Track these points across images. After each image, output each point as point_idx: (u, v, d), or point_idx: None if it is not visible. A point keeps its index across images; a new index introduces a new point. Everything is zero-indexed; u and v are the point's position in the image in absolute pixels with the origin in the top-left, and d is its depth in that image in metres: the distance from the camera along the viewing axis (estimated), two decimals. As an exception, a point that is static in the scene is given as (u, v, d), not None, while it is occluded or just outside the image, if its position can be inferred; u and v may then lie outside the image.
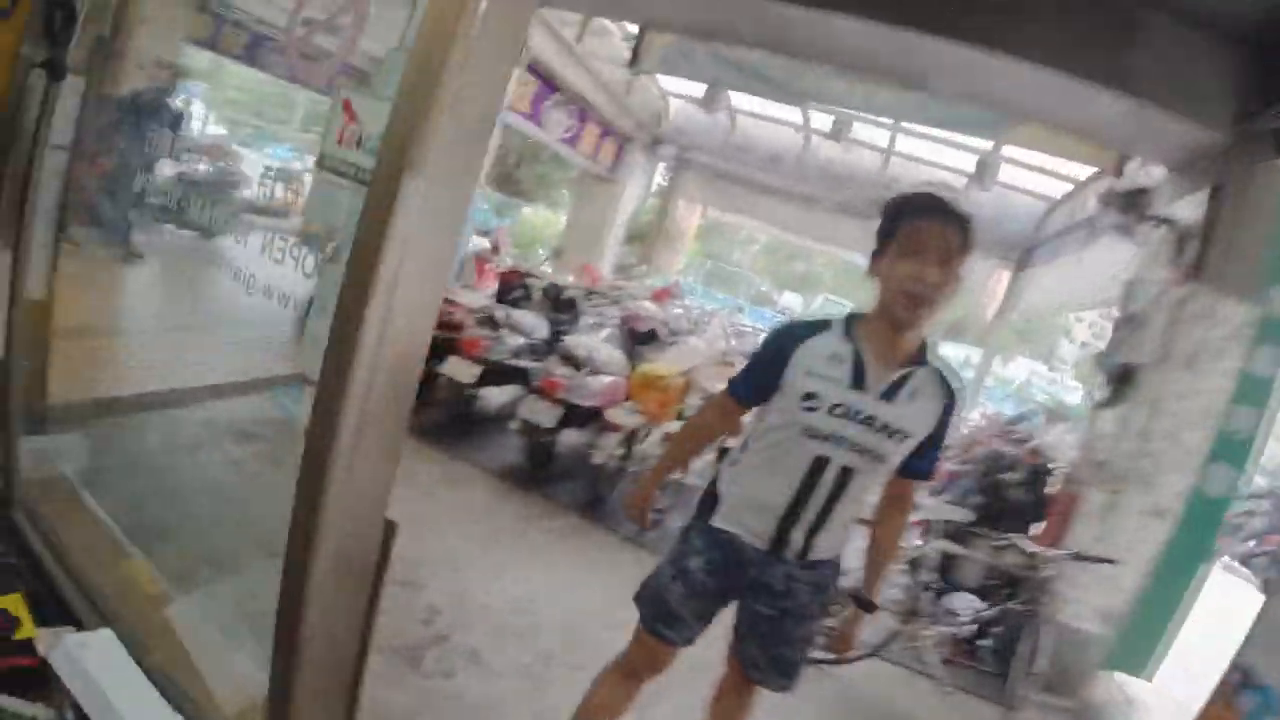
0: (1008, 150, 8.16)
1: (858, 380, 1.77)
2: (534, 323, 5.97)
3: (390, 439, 1.31)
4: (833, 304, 31.47)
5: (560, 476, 5.27)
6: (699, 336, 6.25)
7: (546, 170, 24.32)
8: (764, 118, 9.89)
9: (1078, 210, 7.85)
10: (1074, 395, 28.64)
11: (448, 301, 5.80)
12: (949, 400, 1.83)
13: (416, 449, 5.03)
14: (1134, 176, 4.85)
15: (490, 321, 5.74)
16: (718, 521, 1.93)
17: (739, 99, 9.59)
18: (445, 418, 5.68)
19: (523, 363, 5.56)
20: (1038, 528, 4.77)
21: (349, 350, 1.19)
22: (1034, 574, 3.68)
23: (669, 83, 9.91)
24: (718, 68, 6.82)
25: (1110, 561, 3.59)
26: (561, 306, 6.89)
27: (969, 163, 8.77)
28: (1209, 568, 4.32)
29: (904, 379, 1.79)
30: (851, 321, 1.86)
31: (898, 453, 1.82)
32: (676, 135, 10.64)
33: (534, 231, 15.46)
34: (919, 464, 1.91)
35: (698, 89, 9.47)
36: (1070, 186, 8.25)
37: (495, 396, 5.46)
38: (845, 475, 1.81)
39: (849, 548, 2.03)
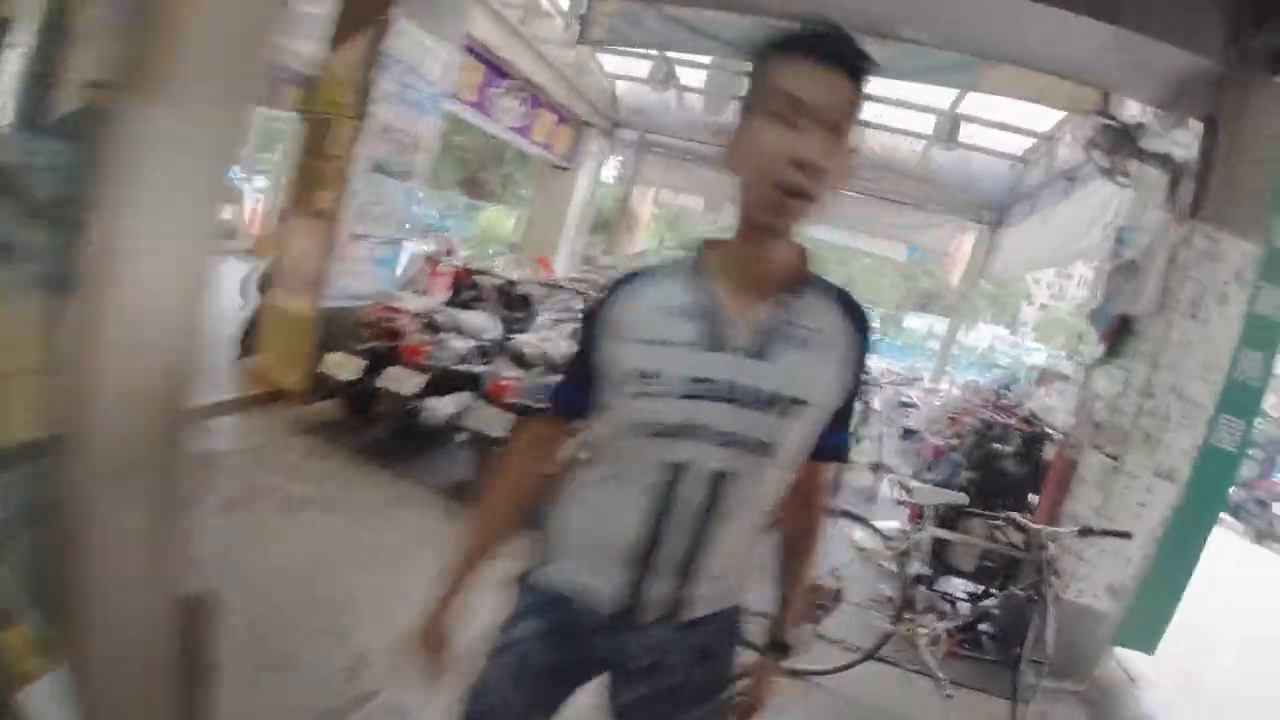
0: (970, 109, 7.83)
1: (714, 336, 1.13)
2: (484, 323, 5.54)
3: (160, 495, 0.89)
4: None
5: None
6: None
7: (511, 170, 23.81)
8: (713, 94, 9.46)
9: (1054, 162, 7.58)
10: (1037, 357, 28.99)
11: (387, 308, 5.37)
12: (860, 333, 1.21)
13: (354, 470, 4.61)
14: (1120, 114, 4.51)
15: (433, 325, 5.27)
16: (543, 578, 1.30)
17: (687, 75, 9.18)
18: (387, 434, 5.24)
19: (472, 367, 5.12)
20: (1037, 499, 4.46)
21: (74, 378, 0.77)
22: (1037, 554, 3.33)
23: (613, 63, 9.50)
24: (668, 30, 6.40)
25: (1124, 535, 3.25)
26: (515, 304, 6.46)
27: (928, 124, 8.43)
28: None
29: (782, 317, 1.15)
30: (702, 254, 1.21)
31: (795, 432, 1.16)
32: (634, 117, 10.24)
33: (491, 231, 14.90)
34: (834, 438, 1.26)
35: (642, 68, 9.04)
36: (1035, 142, 7.98)
37: (441, 406, 4.97)
38: (720, 485, 1.14)
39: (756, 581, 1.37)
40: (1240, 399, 3.73)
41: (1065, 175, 7.12)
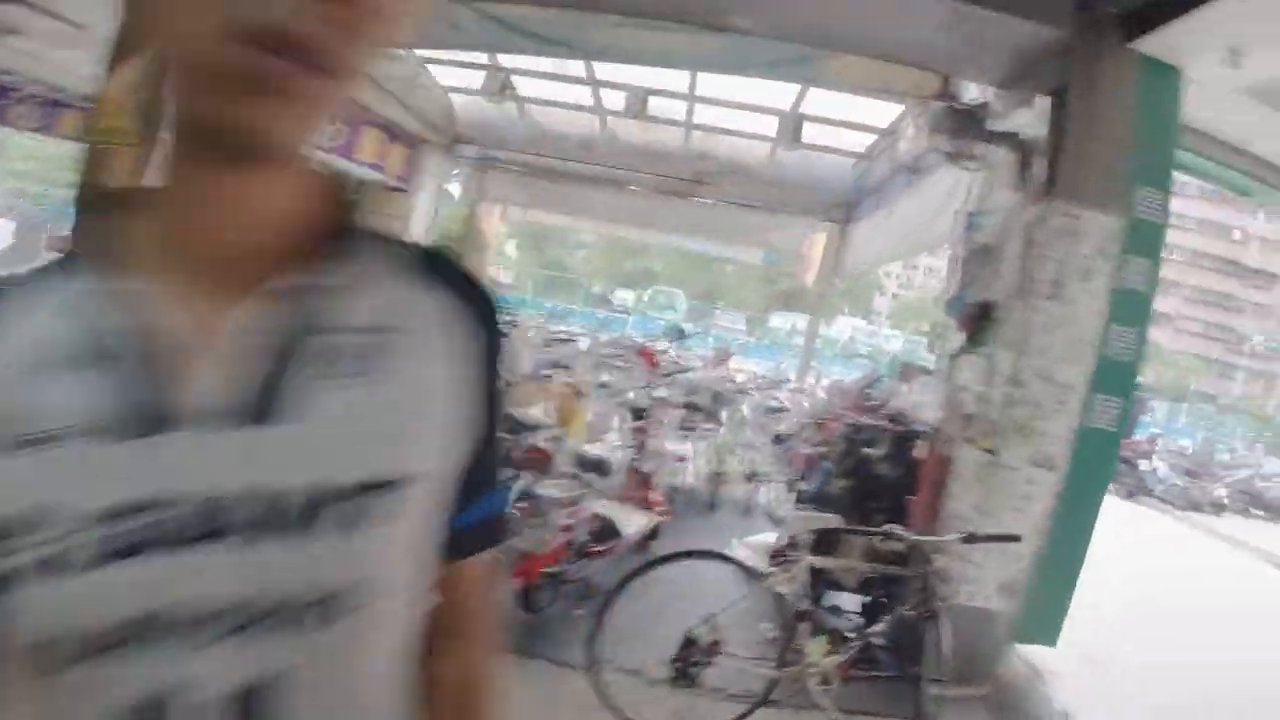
0: (812, 108, 7.78)
1: (147, 400, 0.50)
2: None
3: None
4: (662, 294, 31.81)
5: None
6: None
7: (360, 198, 22.40)
8: (555, 104, 9.05)
9: (896, 155, 7.61)
10: (894, 343, 30.57)
11: None
12: (477, 318, 0.62)
13: None
14: (961, 97, 4.39)
15: None
16: None
17: (525, 86, 8.69)
18: None
19: None
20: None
21: None
22: (923, 568, 3.02)
23: (448, 77, 8.86)
24: (490, 32, 5.87)
25: (1013, 539, 2.99)
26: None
27: (772, 127, 8.34)
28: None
29: (299, 321, 0.54)
30: (104, 221, 0.56)
31: (393, 544, 0.55)
32: (474, 132, 9.60)
33: None
34: (477, 512, 0.65)
35: (476, 80, 8.47)
36: (877, 138, 8.03)
37: None
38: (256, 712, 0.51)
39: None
40: (1114, 376, 3.60)
41: (908, 168, 7.15)
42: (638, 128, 9.10)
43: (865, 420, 4.35)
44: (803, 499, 4.81)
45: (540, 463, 3.72)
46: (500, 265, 34.40)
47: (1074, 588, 3.76)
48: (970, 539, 2.96)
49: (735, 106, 8.20)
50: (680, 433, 6.17)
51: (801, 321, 23.01)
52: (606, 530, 4.23)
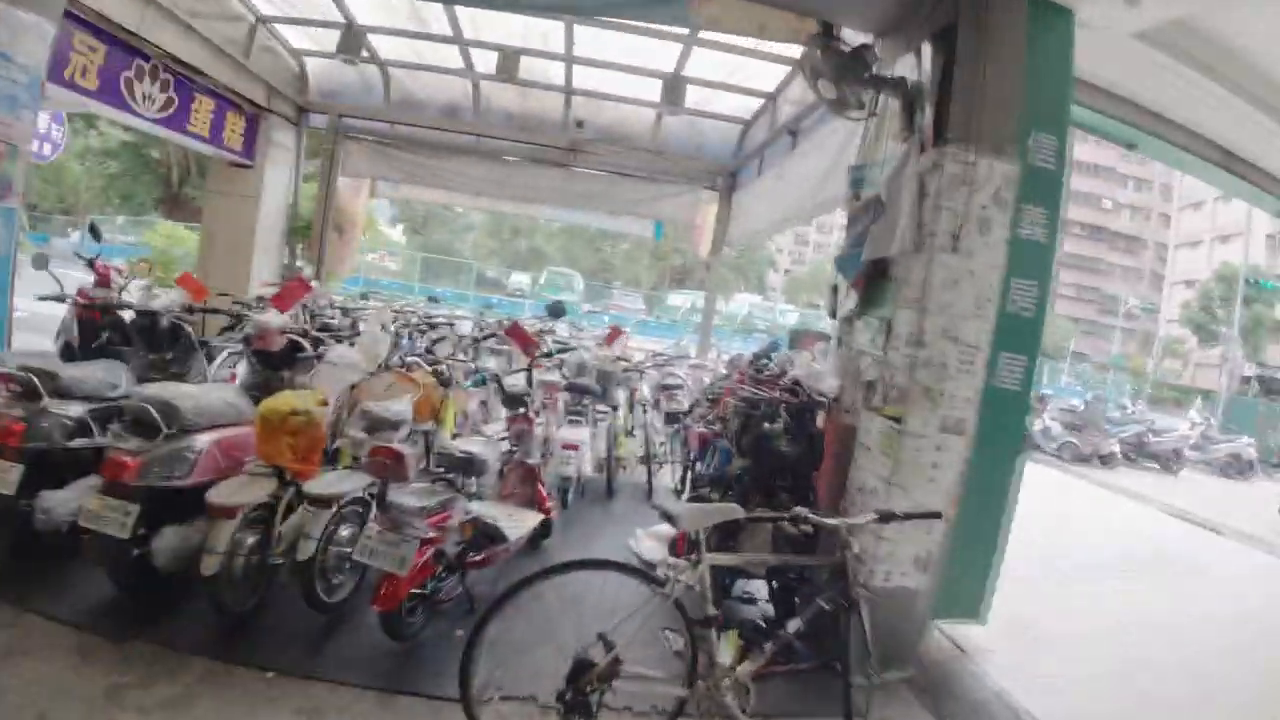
0: (695, 70, 7.40)
1: None
2: (103, 375, 3.98)
3: None
4: (557, 275, 31.10)
5: (177, 604, 3.46)
6: (356, 342, 4.64)
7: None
8: (419, 66, 8.30)
9: (777, 119, 7.36)
10: (791, 318, 31.12)
11: None
12: None
13: None
14: (842, 38, 4.06)
15: (31, 390, 3.63)
16: None
17: (384, 46, 7.90)
18: None
19: (96, 441, 3.61)
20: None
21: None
22: (839, 555, 2.70)
23: (296, 37, 7.95)
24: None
25: (934, 515, 2.71)
26: (161, 341, 4.90)
27: (654, 91, 7.92)
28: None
29: None
30: None
31: None
32: (324, 100, 8.71)
33: (171, 249, 12.30)
34: None
35: (329, 40, 7.61)
36: (763, 102, 7.75)
37: (61, 502, 3.44)
38: None
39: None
40: (1018, 333, 3.38)
41: (790, 129, 6.90)
42: (511, 93, 8.49)
43: (761, 393, 4.00)
44: (700, 482, 4.45)
45: (393, 466, 3.18)
46: (385, 250, 32.76)
47: (996, 559, 3.56)
48: (886, 518, 2.65)
49: (615, 68, 7.72)
50: (570, 418, 5.70)
51: (700, 299, 22.99)
52: (486, 536, 3.72)
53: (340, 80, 8.67)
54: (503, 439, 4.51)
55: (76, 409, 3.65)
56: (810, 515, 2.65)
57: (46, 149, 10.41)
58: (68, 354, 4.91)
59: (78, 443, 3.61)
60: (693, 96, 7.82)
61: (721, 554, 2.59)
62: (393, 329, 5.28)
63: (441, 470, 3.75)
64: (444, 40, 7.44)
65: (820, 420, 4.05)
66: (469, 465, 3.71)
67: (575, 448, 5.25)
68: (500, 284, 31.31)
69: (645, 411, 6.86)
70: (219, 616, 3.33)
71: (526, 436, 4.81)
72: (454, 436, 4.40)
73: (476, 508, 3.71)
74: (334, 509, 3.41)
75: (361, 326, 5.11)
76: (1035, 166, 3.41)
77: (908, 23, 3.85)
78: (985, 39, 3.37)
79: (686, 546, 2.61)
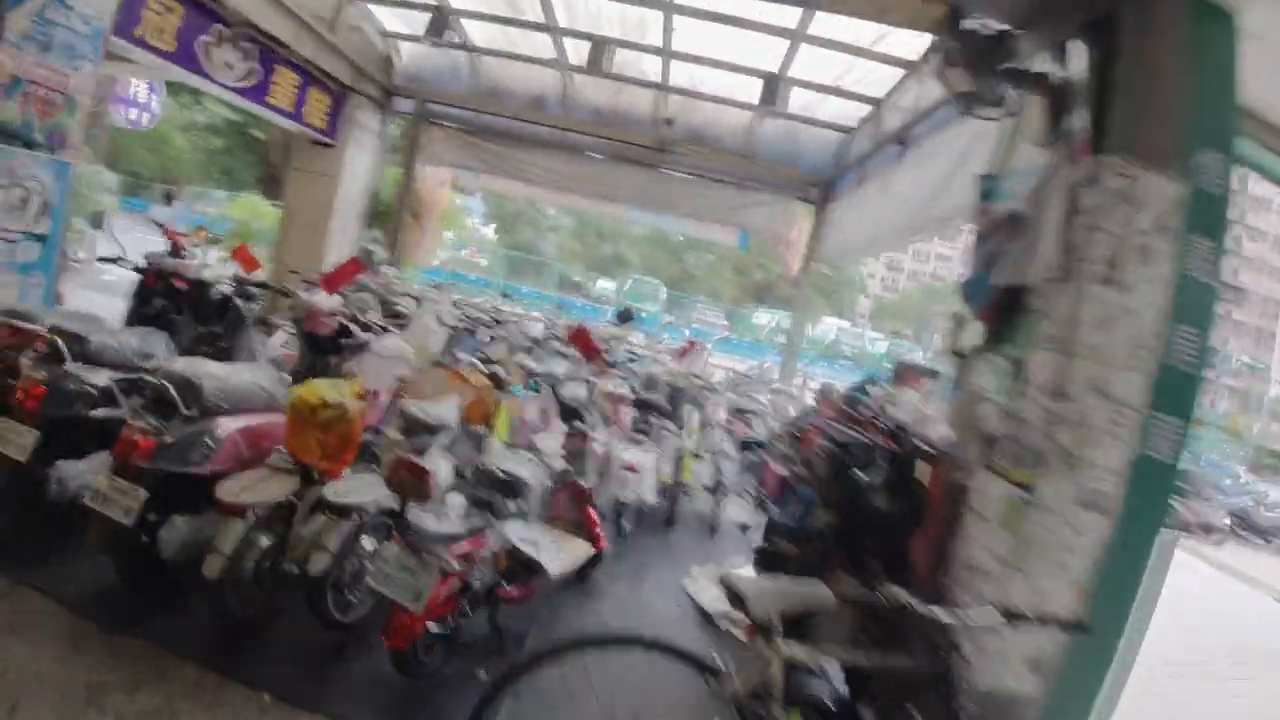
0: (800, 70, 6.85)
1: None
2: (137, 344, 3.74)
3: None
4: (642, 283, 30.61)
5: (179, 601, 3.17)
6: (406, 333, 4.29)
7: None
8: (508, 55, 8.02)
9: (881, 129, 6.73)
10: (880, 346, 29.68)
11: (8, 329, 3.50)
12: None
13: None
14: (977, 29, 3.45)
15: (57, 353, 3.44)
16: None
17: (475, 31, 7.65)
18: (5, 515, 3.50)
19: (114, 412, 3.38)
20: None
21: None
22: (944, 660, 2.14)
23: (386, 18, 7.80)
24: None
25: (1079, 629, 2.10)
26: (208, 313, 4.69)
27: (752, 91, 7.39)
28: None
29: None
30: None
31: None
32: (410, 84, 8.54)
33: (251, 223, 12.49)
34: None
35: (418, 23, 7.41)
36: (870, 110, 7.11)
37: (76, 474, 3.22)
38: None
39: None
40: (1177, 391, 2.70)
41: (897, 138, 6.26)
42: (600, 87, 8.12)
43: (858, 435, 3.40)
44: (775, 530, 3.86)
45: (413, 483, 2.77)
46: (476, 247, 33.12)
47: (1123, 664, 2.88)
48: (1013, 618, 2.05)
49: (713, 65, 7.24)
50: (635, 436, 5.19)
51: (784, 318, 22.12)
52: (523, 567, 3.28)
53: (427, 65, 8.49)
54: (563, 453, 4.08)
55: (102, 377, 3.44)
56: (915, 603, 2.08)
57: (145, 118, 10.66)
58: (130, 320, 4.80)
59: (100, 413, 3.39)
60: (793, 101, 7.26)
61: (797, 644, 2.05)
62: (449, 323, 4.91)
63: (477, 489, 3.32)
64: (535, 27, 7.12)
65: (923, 474, 3.42)
66: (508, 487, 3.27)
67: (636, 470, 4.76)
68: (584, 287, 31.10)
69: (718, 436, 6.27)
70: (220, 622, 3.01)
71: (582, 454, 4.37)
72: (509, 447, 3.97)
73: (516, 534, 3.26)
74: (355, 519, 3.03)
75: (413, 317, 4.75)
76: (1201, 190, 2.74)
77: (1053, 13, 3.23)
78: (1147, 35, 2.75)
79: (754, 628, 2.08)
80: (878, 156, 6.89)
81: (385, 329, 4.48)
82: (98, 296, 5.40)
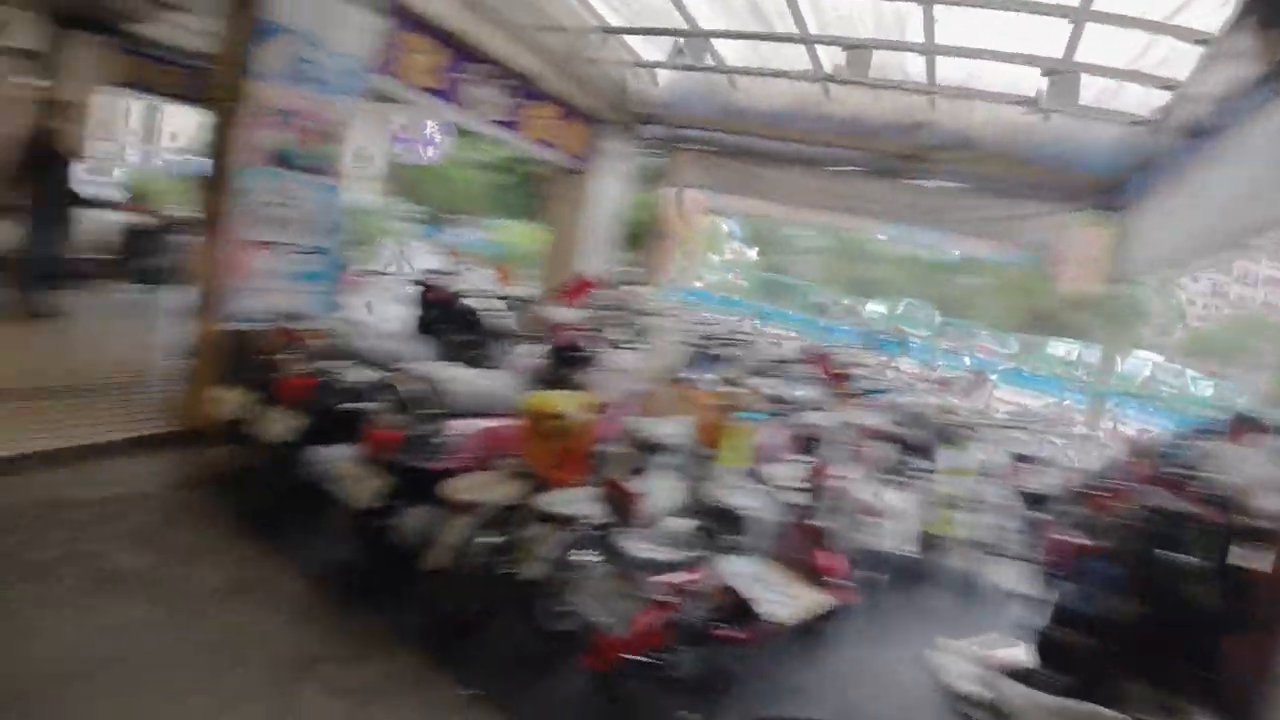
0: (1089, 53, 5.84)
1: None
2: (397, 349, 4.09)
3: None
4: (915, 307, 28.36)
5: (404, 587, 3.33)
6: (646, 348, 4.21)
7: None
8: (755, 72, 7.83)
9: (1190, 111, 5.44)
10: (1202, 387, 24.25)
11: (285, 333, 4.07)
12: None
13: (211, 539, 3.58)
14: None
15: (325, 352, 3.89)
16: None
17: (723, 49, 7.56)
18: (262, 491, 4.00)
19: (368, 407, 3.72)
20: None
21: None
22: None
23: (636, 44, 8.02)
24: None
25: None
26: (465, 322, 5.05)
27: (1026, 85, 6.45)
28: None
29: None
30: None
31: None
32: (657, 109, 8.68)
33: (518, 246, 13.60)
34: None
35: (661, 49, 7.53)
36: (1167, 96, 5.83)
37: (326, 458, 3.60)
38: None
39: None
40: None
41: (1207, 127, 4.99)
42: (848, 96, 7.62)
43: (1185, 507, 2.60)
44: (1063, 615, 3.03)
45: (621, 505, 2.62)
46: (738, 270, 33.46)
47: None
48: None
49: (984, 56, 6.43)
50: (885, 476, 4.62)
51: (1084, 349, 19.23)
52: (740, 608, 2.99)
53: (675, 90, 8.58)
54: (799, 487, 3.75)
55: (362, 375, 3.83)
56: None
57: (430, 152, 12.17)
58: (412, 327, 5.45)
59: (355, 407, 3.74)
60: (1079, 92, 6.20)
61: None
62: (686, 342, 4.80)
63: (697, 517, 3.09)
64: (786, 39, 6.86)
65: (1255, 560, 2.54)
66: (729, 518, 3.00)
67: (883, 515, 4.23)
68: (853, 311, 29.58)
69: (992, 485, 5.28)
70: (438, 613, 3.13)
71: (820, 490, 3.95)
72: (739, 475, 3.71)
73: (735, 570, 2.99)
74: (570, 530, 2.97)
75: (653, 334, 4.72)
76: None
77: None
78: None
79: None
80: (1181, 152, 5.61)
81: (624, 345, 4.48)
82: (383, 306, 6.11)
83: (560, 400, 3.22)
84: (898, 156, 7.72)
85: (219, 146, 4.49)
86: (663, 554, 2.62)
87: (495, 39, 6.47)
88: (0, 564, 3.10)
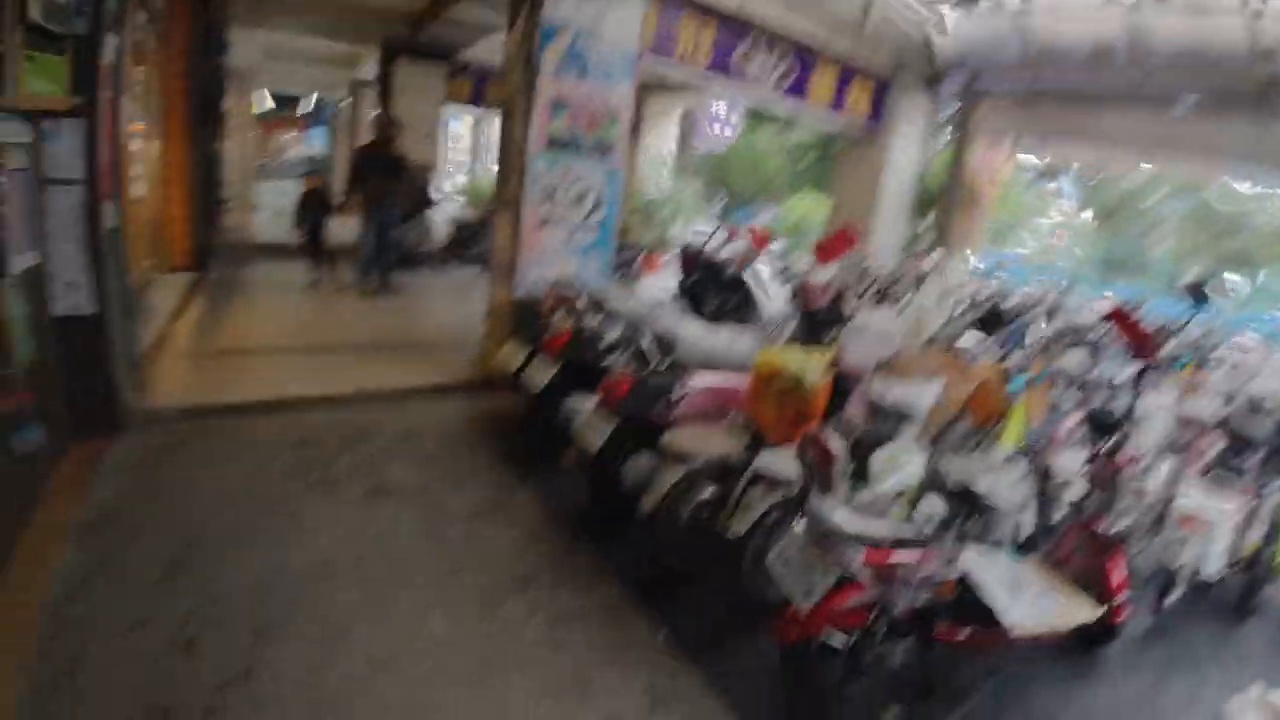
0: None
1: None
2: (647, 308, 4.27)
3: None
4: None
5: (631, 528, 3.47)
6: (903, 309, 3.86)
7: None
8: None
9: None
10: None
11: (557, 295, 4.51)
12: None
13: (480, 472, 4.16)
14: None
15: (579, 309, 4.26)
16: None
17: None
18: (531, 432, 4.47)
19: (612, 360, 4.02)
20: None
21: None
22: None
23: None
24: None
25: None
26: (726, 285, 5.12)
27: None
28: None
29: None
30: None
31: None
32: (955, 61, 7.82)
33: (806, 219, 13.24)
34: None
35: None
36: None
37: (573, 406, 3.96)
38: None
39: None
40: None
41: None
42: (1177, 21, 6.11)
43: None
44: None
45: (818, 465, 2.41)
46: (1061, 236, 29.33)
47: None
48: None
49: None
50: (1209, 480, 3.70)
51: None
52: (973, 607, 2.60)
53: (971, 39, 7.65)
54: (1086, 480, 3.17)
55: (613, 331, 4.05)
56: None
57: (726, 133, 12.43)
58: (678, 290, 5.77)
59: (601, 359, 4.03)
60: None
61: None
62: (951, 306, 4.31)
63: (937, 494, 2.73)
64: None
65: None
66: (963, 501, 2.61)
67: (1203, 527, 3.40)
68: (1217, 286, 24.36)
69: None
70: (652, 558, 3.22)
71: (1109, 487, 3.27)
72: (1024, 453, 3.21)
73: (976, 563, 2.60)
74: (781, 492, 2.85)
75: (914, 295, 4.32)
76: None
77: None
78: None
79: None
80: None
81: (879, 304, 4.20)
82: (660, 279, 6.47)
83: (793, 358, 3.09)
84: (1241, 91, 6.05)
85: (509, 138, 5.13)
86: (861, 525, 2.36)
87: (770, 7, 6.36)
88: (304, 474, 3.81)
